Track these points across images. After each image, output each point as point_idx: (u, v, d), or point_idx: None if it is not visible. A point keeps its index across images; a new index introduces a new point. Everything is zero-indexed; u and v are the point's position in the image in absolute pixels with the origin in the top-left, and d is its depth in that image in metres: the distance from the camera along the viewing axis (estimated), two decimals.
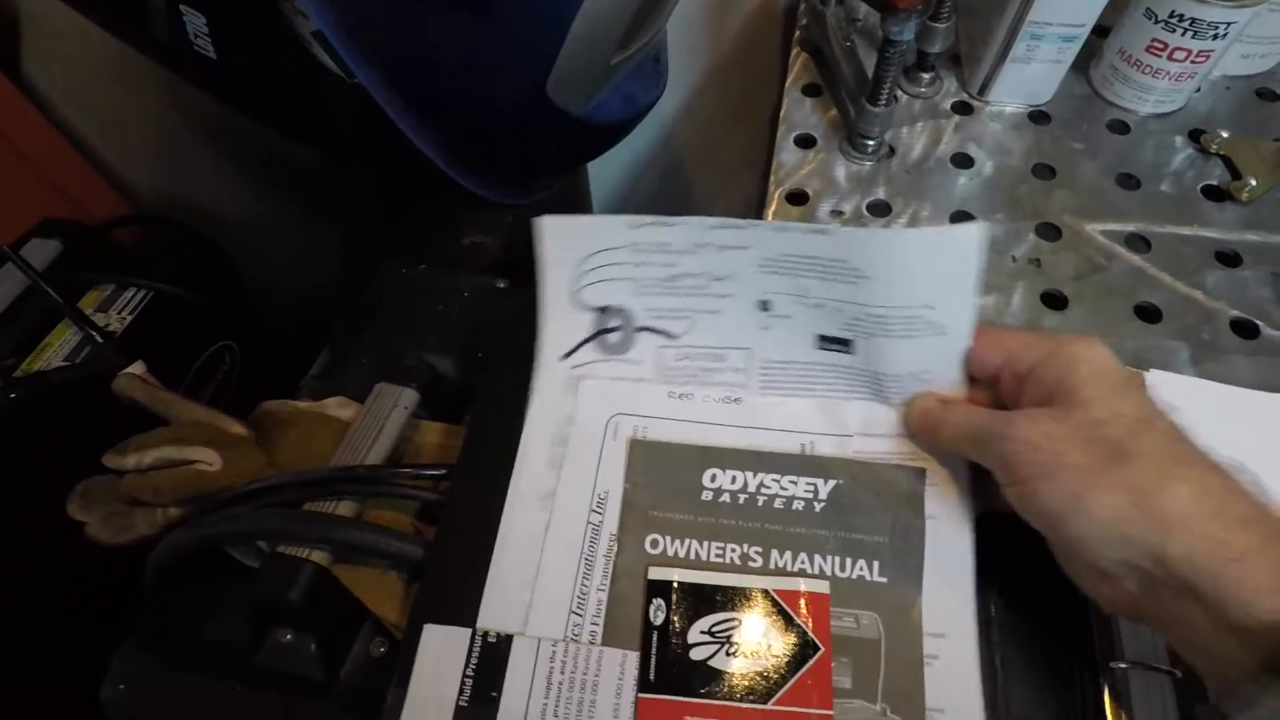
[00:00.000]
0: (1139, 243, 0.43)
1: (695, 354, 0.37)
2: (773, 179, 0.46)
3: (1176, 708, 0.30)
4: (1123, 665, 0.31)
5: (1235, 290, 0.41)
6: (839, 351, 0.35)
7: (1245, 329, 0.40)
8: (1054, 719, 0.31)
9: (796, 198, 0.45)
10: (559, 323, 0.37)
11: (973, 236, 0.31)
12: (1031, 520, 0.30)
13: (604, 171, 0.85)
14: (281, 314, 0.88)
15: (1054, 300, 0.41)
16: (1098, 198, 0.45)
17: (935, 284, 0.33)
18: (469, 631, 0.32)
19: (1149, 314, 0.40)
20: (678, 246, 0.36)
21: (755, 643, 0.31)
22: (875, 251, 0.33)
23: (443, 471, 0.37)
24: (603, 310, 0.37)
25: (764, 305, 0.36)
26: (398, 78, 0.38)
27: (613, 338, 0.37)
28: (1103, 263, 0.42)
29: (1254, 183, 0.45)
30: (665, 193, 0.90)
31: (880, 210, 0.44)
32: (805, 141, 0.48)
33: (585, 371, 0.37)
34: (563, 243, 0.37)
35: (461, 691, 0.31)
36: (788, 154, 0.47)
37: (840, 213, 0.44)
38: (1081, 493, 0.27)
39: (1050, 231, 0.43)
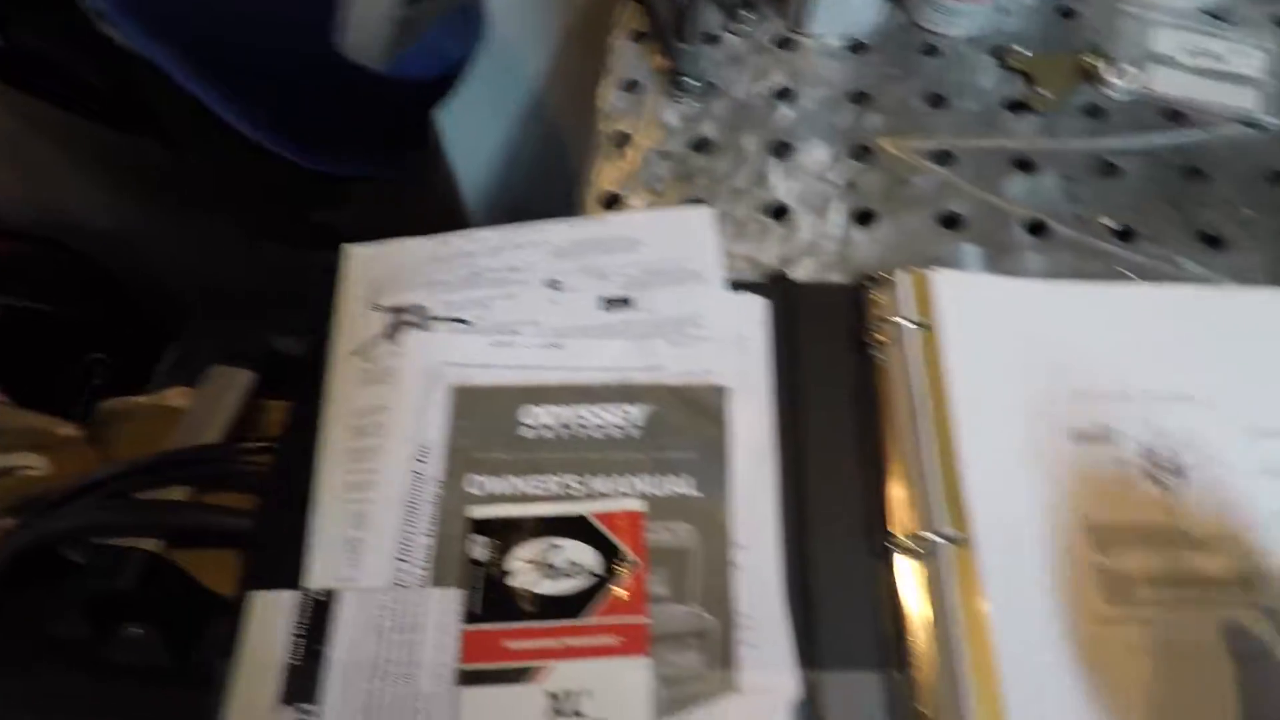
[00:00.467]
0: (945, 157, 0.45)
1: (496, 335, 0.39)
2: (601, 125, 0.47)
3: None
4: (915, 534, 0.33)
5: (1031, 194, 0.43)
6: (623, 308, 0.39)
7: (1037, 228, 0.42)
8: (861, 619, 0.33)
9: (623, 138, 0.46)
10: (352, 321, 0.39)
11: (705, 215, 0.41)
12: None
13: (478, 141, 0.85)
14: (183, 315, 0.86)
15: (863, 217, 0.43)
16: (908, 118, 0.47)
17: (684, 244, 0.41)
18: (296, 593, 0.32)
19: (951, 221, 0.43)
20: (479, 252, 0.41)
21: (572, 564, 0.33)
22: (638, 225, 0.41)
23: (270, 444, 0.38)
24: (397, 310, 0.39)
25: (553, 284, 0.40)
26: (184, 42, 0.37)
27: (415, 333, 0.39)
28: (909, 178, 0.44)
29: (1049, 94, 0.47)
30: (542, 155, 0.90)
31: (703, 147, 0.45)
32: (631, 86, 0.48)
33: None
34: (366, 265, 0.41)
35: (292, 651, 0.31)
36: (616, 99, 0.48)
37: (667, 153, 0.45)
38: None
39: (862, 153, 0.45)
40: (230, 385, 0.41)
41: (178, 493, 0.37)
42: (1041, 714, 0.29)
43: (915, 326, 0.36)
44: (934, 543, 0.32)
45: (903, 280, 0.38)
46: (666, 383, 0.36)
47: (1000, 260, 0.41)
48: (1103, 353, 0.36)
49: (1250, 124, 0.46)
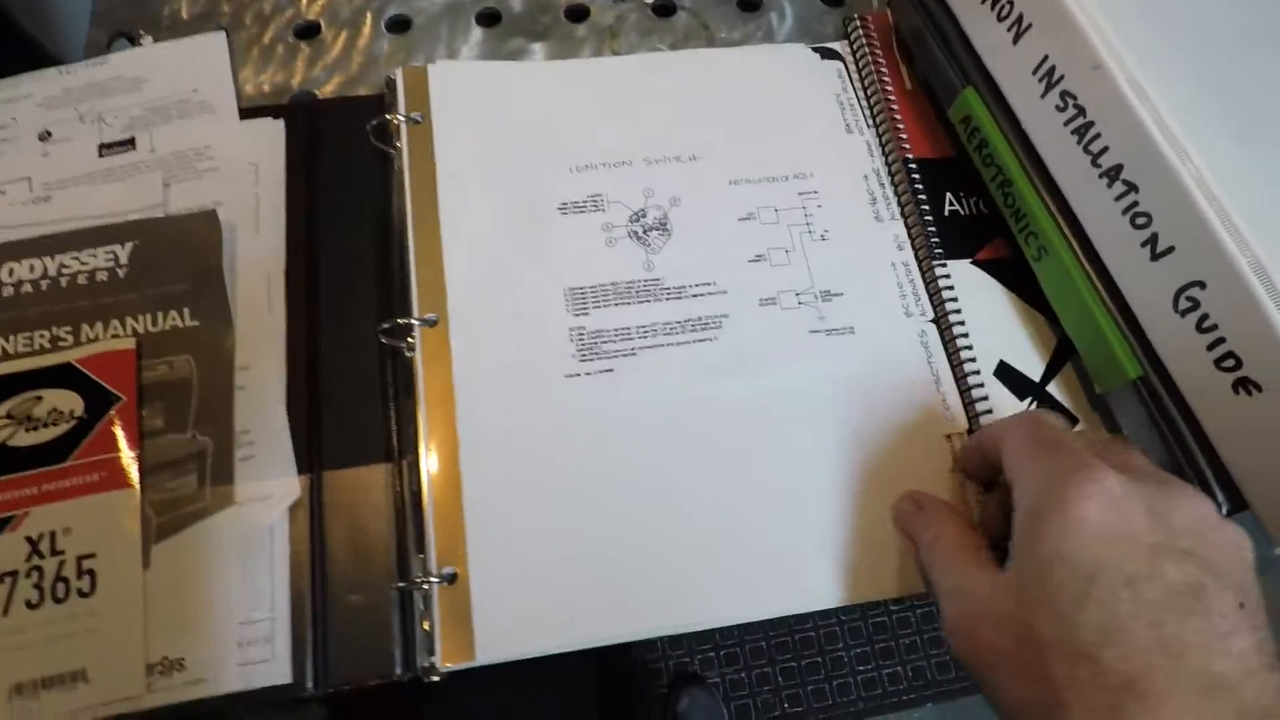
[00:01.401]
0: None
1: None
2: None
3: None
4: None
5: None
6: (124, 151, 0.37)
7: (580, 15, 0.41)
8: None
9: None
10: None
11: (219, 40, 0.39)
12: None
13: None
14: None
15: (399, 25, 0.41)
16: None
17: (194, 75, 0.38)
18: None
19: (492, 19, 0.41)
20: None
21: (54, 413, 0.32)
22: (143, 62, 0.38)
23: None
24: None
25: (44, 136, 0.37)
26: None
27: None
28: None
29: None
30: None
31: None
32: None
33: None
34: None
35: None
36: None
37: None
38: (987, 669, 0.24)
39: None
40: None
41: None
42: (493, 480, 0.31)
43: (411, 122, 0.36)
44: (412, 328, 0.33)
45: (401, 77, 0.36)
46: (153, 217, 0.35)
47: (550, 51, 0.40)
48: (596, 125, 0.36)
49: None
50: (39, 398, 0.32)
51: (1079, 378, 0.34)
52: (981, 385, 0.33)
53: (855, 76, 0.39)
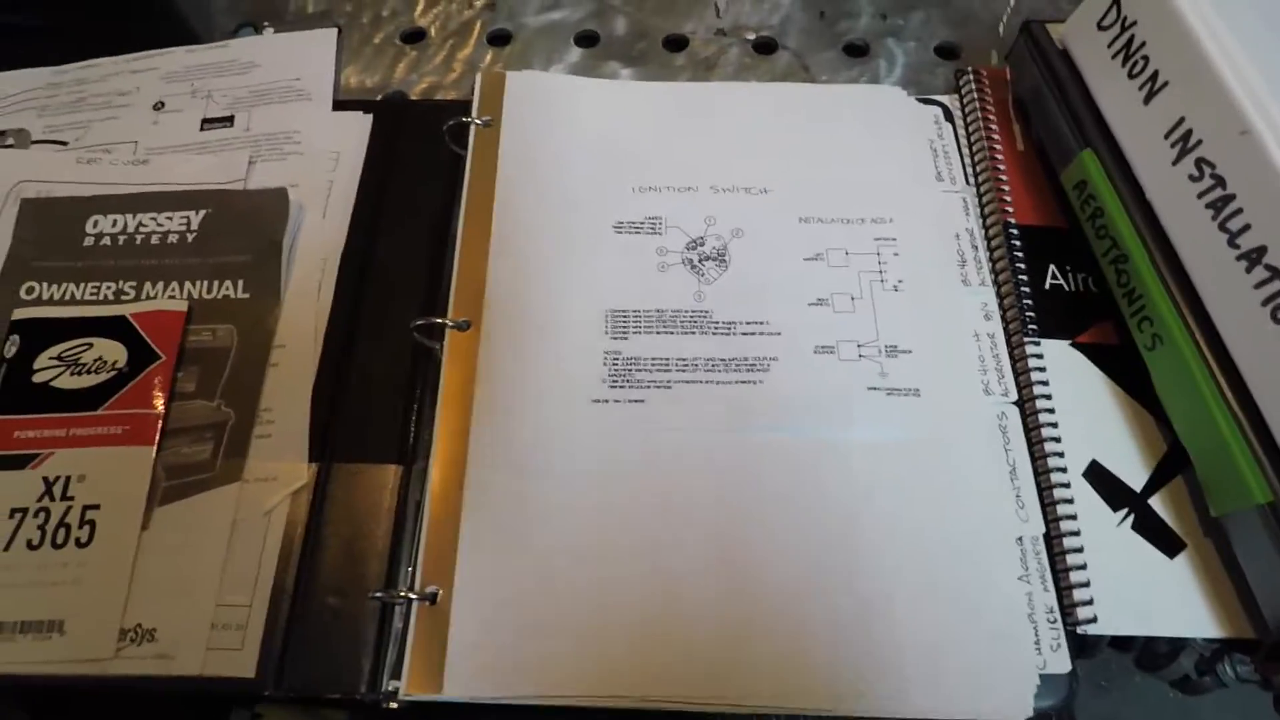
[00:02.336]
0: None
1: (85, 153, 0.38)
2: None
3: None
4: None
5: (681, 12, 0.41)
6: (223, 127, 0.38)
7: (679, 44, 0.40)
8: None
9: None
10: None
11: (329, 36, 0.41)
12: None
13: None
14: None
15: (500, 38, 0.41)
16: None
17: (300, 66, 0.40)
18: None
19: (590, 40, 0.41)
20: (91, 78, 0.40)
21: (99, 361, 0.32)
22: (258, 49, 0.41)
23: None
24: (2, 133, 0.39)
25: (158, 106, 0.39)
26: None
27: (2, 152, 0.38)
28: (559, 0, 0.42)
29: None
30: None
31: None
32: None
33: None
34: None
35: None
36: None
37: None
38: None
39: None
40: None
41: None
42: (496, 500, 0.29)
43: (482, 125, 0.35)
44: (444, 330, 0.31)
45: (479, 81, 0.36)
46: (229, 189, 0.36)
47: (643, 77, 0.39)
48: (666, 147, 0.35)
49: None
50: (89, 344, 0.33)
51: (1190, 493, 0.28)
52: (1067, 485, 0.28)
53: (960, 129, 0.36)
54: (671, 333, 0.31)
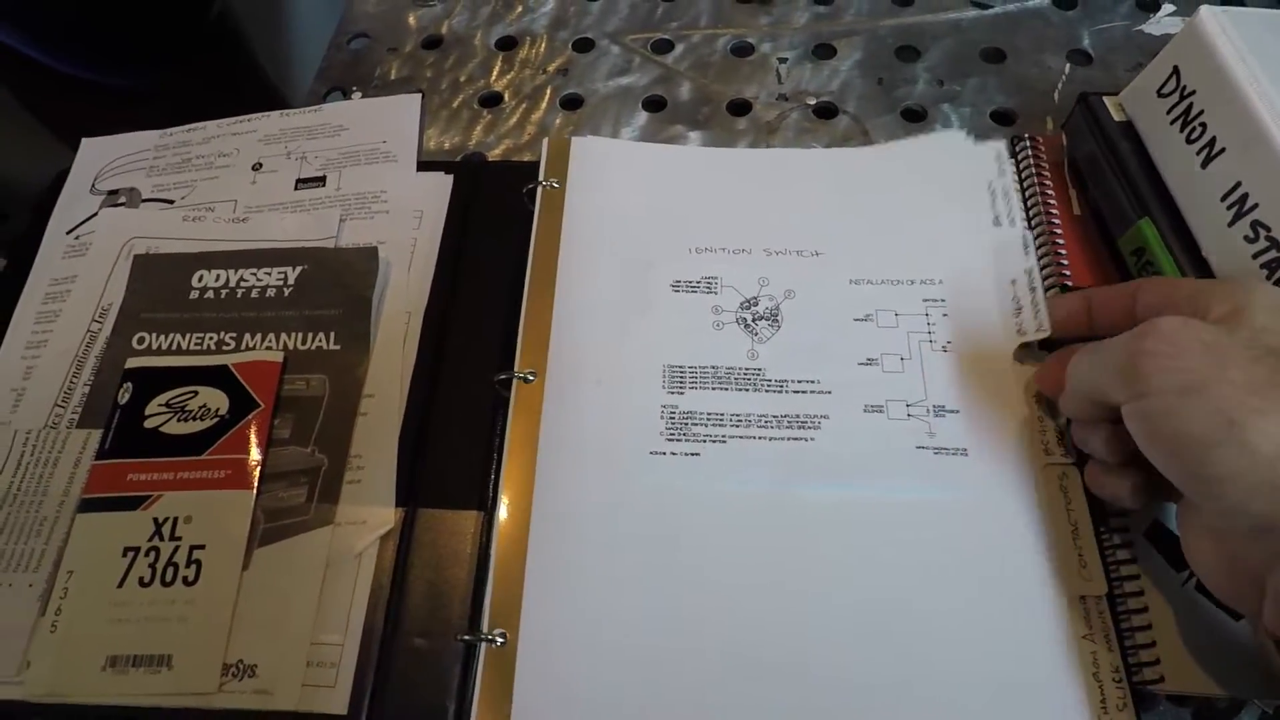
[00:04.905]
0: (666, 47, 0.45)
1: (190, 211, 0.41)
2: (348, 26, 0.49)
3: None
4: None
5: (744, 78, 0.43)
6: (315, 187, 0.41)
7: (742, 108, 0.42)
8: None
9: (360, 37, 0.48)
10: (72, 202, 0.42)
11: (414, 101, 0.44)
12: (1156, 453, 0.24)
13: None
14: None
15: (572, 102, 0.44)
16: (639, 15, 0.47)
17: (386, 129, 0.43)
18: None
19: (658, 105, 0.43)
20: (195, 140, 0.44)
21: (203, 409, 0.34)
22: (348, 113, 0.44)
23: None
24: (113, 192, 0.42)
25: (256, 166, 0.42)
26: None
27: (116, 210, 0.41)
28: (628, 68, 0.45)
29: None
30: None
31: (434, 45, 0.47)
32: None
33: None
34: (98, 153, 0.44)
35: None
36: (365, 3, 0.50)
37: (396, 49, 0.47)
38: (1238, 416, 0.21)
39: (585, 45, 0.46)
40: None
41: None
42: (559, 547, 0.30)
43: (549, 186, 0.38)
44: (512, 383, 0.33)
45: (546, 145, 0.39)
46: (323, 247, 0.38)
47: (707, 140, 0.41)
48: (722, 210, 0.37)
49: (977, 4, 0.45)
50: (195, 392, 0.35)
51: None
52: (1129, 545, 0.29)
53: (1015, 181, 0.37)
54: (726, 389, 0.33)
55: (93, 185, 0.42)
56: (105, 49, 0.49)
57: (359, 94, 0.45)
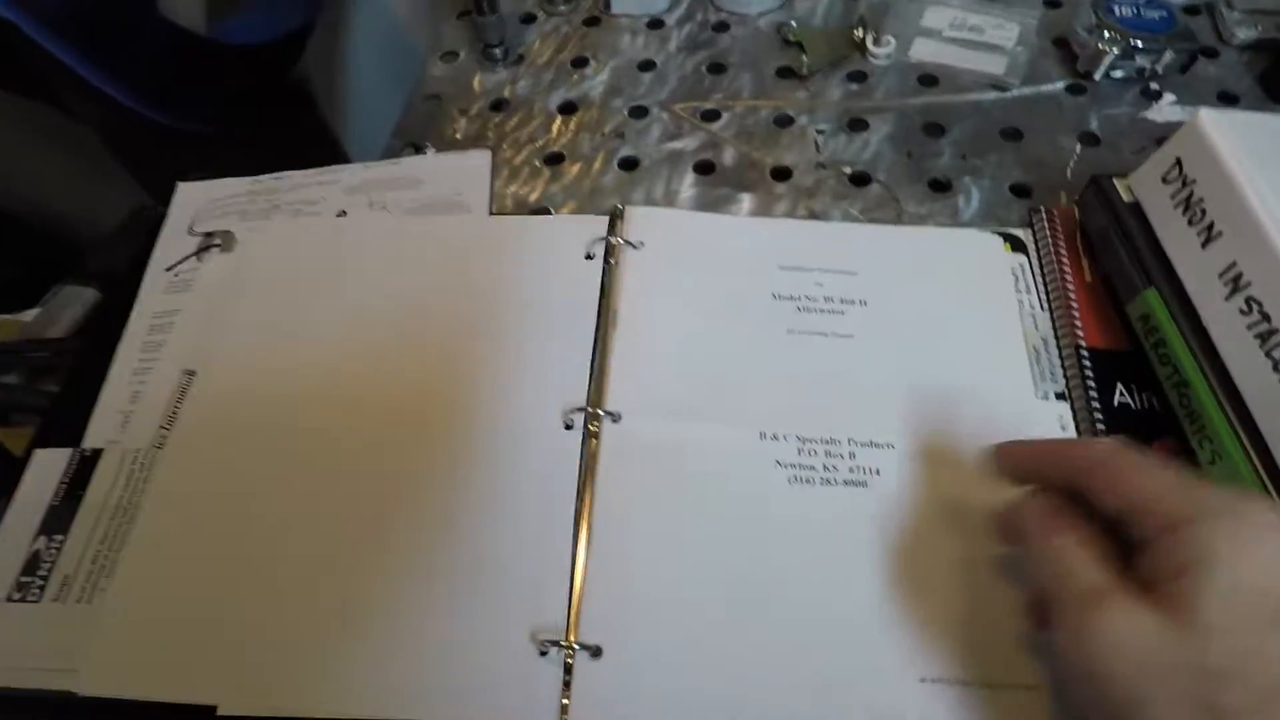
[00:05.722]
0: (714, 116, 0.50)
1: None
2: (421, 88, 0.53)
3: None
4: None
5: (784, 147, 0.48)
6: None
7: (783, 174, 0.47)
8: None
9: (433, 99, 0.52)
10: (171, 242, 0.46)
11: (484, 157, 0.48)
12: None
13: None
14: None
15: (628, 163, 0.48)
16: (687, 85, 0.52)
17: (461, 182, 0.47)
18: (70, 450, 0.38)
19: (707, 169, 0.47)
20: (284, 188, 0.48)
21: None
22: (424, 167, 0.48)
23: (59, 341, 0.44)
24: (209, 235, 0.46)
25: (340, 214, 0.46)
26: (44, 6, 0.44)
27: (214, 252, 0.45)
28: (679, 134, 0.49)
29: (808, 59, 0.51)
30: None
31: (501, 107, 0.51)
32: (451, 56, 0.55)
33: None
34: (193, 197, 0.48)
35: (55, 494, 0.37)
36: (433, 68, 0.54)
37: (465, 110, 0.51)
38: None
39: (639, 112, 0.50)
40: (74, 300, 0.47)
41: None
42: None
43: (625, 245, 0.42)
44: (575, 419, 0.37)
45: (611, 212, 0.44)
46: None
47: (753, 201, 0.45)
48: (760, 271, 0.41)
49: (997, 87, 0.50)
50: None
51: None
52: None
53: (1034, 260, 0.41)
54: None
55: (190, 226, 0.46)
56: (192, 102, 0.53)
57: (432, 150, 0.49)
